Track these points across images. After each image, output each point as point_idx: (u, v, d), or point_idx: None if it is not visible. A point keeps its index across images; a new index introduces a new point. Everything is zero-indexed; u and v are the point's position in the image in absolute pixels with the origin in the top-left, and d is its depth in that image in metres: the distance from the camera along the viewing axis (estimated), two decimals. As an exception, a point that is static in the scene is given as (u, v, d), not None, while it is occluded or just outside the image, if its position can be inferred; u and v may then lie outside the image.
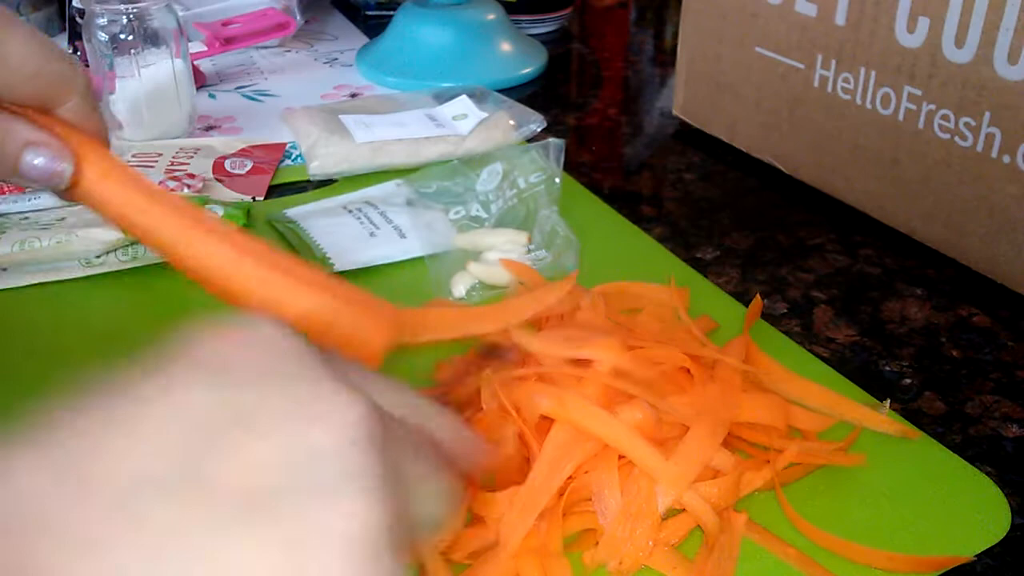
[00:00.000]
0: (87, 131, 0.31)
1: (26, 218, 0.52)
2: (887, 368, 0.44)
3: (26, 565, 0.17)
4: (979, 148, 0.48)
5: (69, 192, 0.31)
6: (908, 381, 0.43)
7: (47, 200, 0.55)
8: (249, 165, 0.61)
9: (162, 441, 0.19)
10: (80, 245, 0.49)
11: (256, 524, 0.18)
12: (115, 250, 0.50)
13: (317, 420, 0.20)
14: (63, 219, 0.51)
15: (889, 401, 0.40)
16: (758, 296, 0.47)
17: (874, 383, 0.42)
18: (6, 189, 0.57)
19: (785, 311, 0.48)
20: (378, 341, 0.35)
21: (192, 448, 0.19)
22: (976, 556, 0.33)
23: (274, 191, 0.60)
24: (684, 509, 0.34)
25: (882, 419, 0.39)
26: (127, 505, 0.18)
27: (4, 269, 0.49)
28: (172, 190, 0.56)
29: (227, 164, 0.61)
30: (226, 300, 0.32)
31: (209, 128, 0.70)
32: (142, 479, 0.18)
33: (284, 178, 0.62)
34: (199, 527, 0.18)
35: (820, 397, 0.40)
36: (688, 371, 0.38)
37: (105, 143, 0.33)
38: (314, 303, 0.33)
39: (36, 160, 0.30)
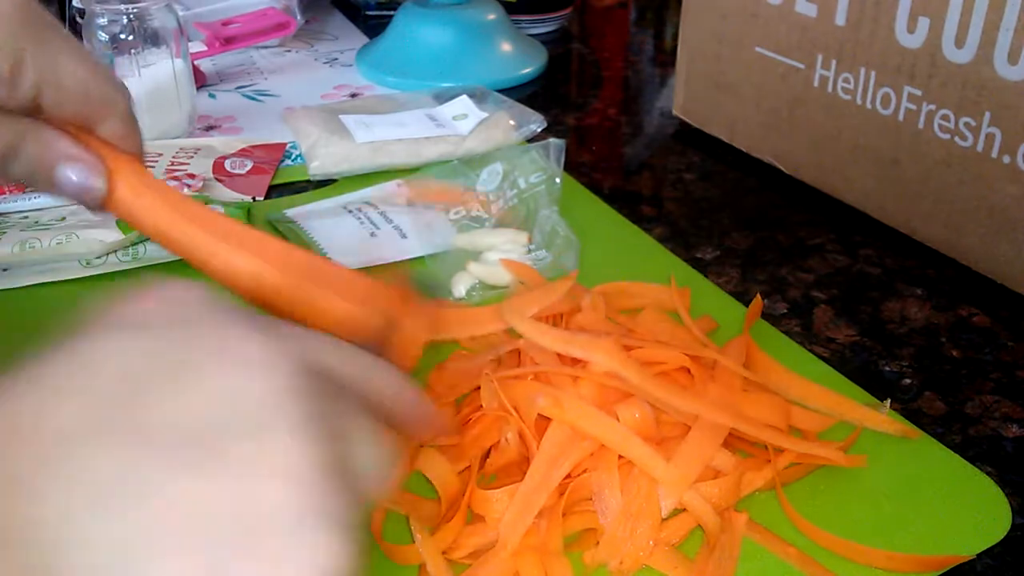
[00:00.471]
0: (124, 149, 0.32)
1: (25, 217, 0.52)
2: (887, 368, 0.44)
3: None
4: (979, 148, 0.48)
5: (102, 207, 0.32)
6: (908, 381, 0.43)
7: (47, 200, 0.55)
8: (249, 165, 0.61)
9: (95, 389, 0.19)
10: (81, 246, 0.49)
11: (196, 463, 0.18)
12: (115, 251, 0.50)
13: (246, 366, 0.20)
14: (63, 219, 0.51)
15: (889, 401, 0.40)
16: (758, 296, 0.47)
17: (874, 383, 0.43)
18: (5, 189, 0.57)
19: (785, 311, 0.48)
20: (415, 346, 0.36)
21: (126, 396, 0.19)
22: (976, 556, 0.33)
23: (274, 191, 0.60)
24: (685, 509, 0.34)
25: (882, 419, 0.39)
26: (67, 452, 0.18)
27: (5, 269, 0.49)
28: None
29: (227, 164, 0.61)
30: (263, 308, 0.33)
31: (209, 128, 0.70)
32: (78, 428, 0.18)
33: (284, 178, 0.62)
34: (143, 467, 0.18)
35: (821, 397, 0.40)
36: (688, 371, 0.38)
37: (141, 160, 0.33)
38: (351, 312, 0.33)
39: (71, 175, 0.31)
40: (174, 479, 0.18)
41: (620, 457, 0.34)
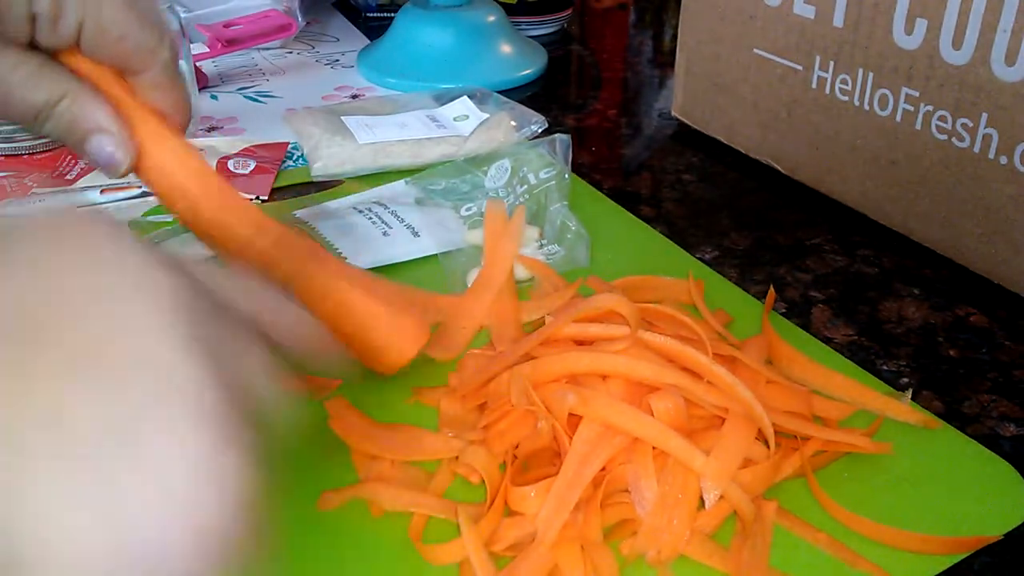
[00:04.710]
0: (163, 101, 0.33)
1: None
2: (885, 368, 0.44)
3: None
4: (976, 149, 0.48)
5: (133, 171, 0.33)
6: (906, 380, 0.43)
7: (51, 203, 0.55)
8: (252, 165, 0.62)
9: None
10: None
11: (86, 382, 0.19)
12: None
13: (133, 287, 0.21)
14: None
15: (911, 391, 0.41)
16: (771, 288, 0.48)
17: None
18: (9, 193, 0.57)
19: (784, 311, 0.49)
20: (409, 348, 0.37)
21: (15, 334, 0.19)
22: (975, 554, 0.34)
23: (276, 194, 0.60)
24: (720, 497, 0.34)
25: (904, 408, 0.40)
26: None
27: None
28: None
29: (230, 164, 0.61)
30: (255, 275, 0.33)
31: (211, 129, 0.71)
32: None
33: (287, 180, 0.62)
34: (31, 379, 0.19)
35: (844, 387, 0.41)
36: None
37: (182, 116, 0.34)
38: (352, 301, 0.34)
39: (100, 147, 0.31)
40: (63, 393, 0.19)
41: (654, 448, 0.35)
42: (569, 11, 0.98)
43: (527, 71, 0.82)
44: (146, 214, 0.52)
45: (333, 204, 0.58)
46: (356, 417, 0.39)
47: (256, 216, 0.35)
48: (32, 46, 0.31)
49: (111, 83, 0.32)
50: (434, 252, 0.51)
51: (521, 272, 0.49)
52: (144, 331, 0.20)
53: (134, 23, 0.31)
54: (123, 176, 0.33)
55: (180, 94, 0.33)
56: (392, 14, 0.89)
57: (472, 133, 0.64)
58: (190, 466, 0.19)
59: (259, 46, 0.86)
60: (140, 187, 0.57)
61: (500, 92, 0.73)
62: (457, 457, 0.37)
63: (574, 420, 0.36)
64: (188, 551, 0.19)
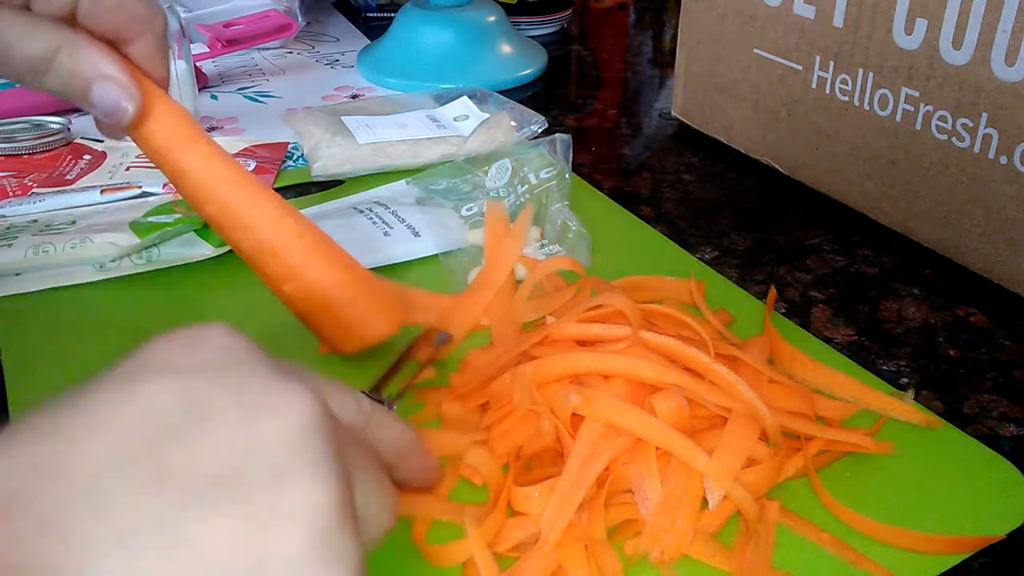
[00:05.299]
0: (152, 71, 0.33)
1: (34, 222, 0.52)
2: (885, 368, 0.44)
3: (9, 551, 0.17)
4: (976, 149, 0.49)
5: (127, 130, 0.32)
6: (906, 380, 0.43)
7: (51, 203, 0.55)
8: (252, 164, 0.62)
9: (123, 431, 0.19)
10: (95, 250, 0.48)
11: (217, 505, 0.19)
12: (129, 255, 0.50)
13: (269, 410, 0.21)
14: (73, 223, 0.51)
15: (914, 391, 0.41)
16: (772, 288, 0.48)
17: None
18: (9, 193, 0.57)
19: (784, 311, 0.49)
20: (385, 325, 0.37)
21: (151, 438, 0.19)
22: (975, 555, 0.34)
23: (277, 194, 0.60)
24: (725, 497, 0.35)
25: (907, 408, 0.40)
26: (92, 491, 0.18)
27: (18, 274, 0.49)
28: (176, 192, 0.56)
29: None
30: (252, 257, 0.33)
31: (211, 129, 0.71)
32: (106, 468, 0.19)
33: (287, 180, 0.62)
34: (163, 509, 0.18)
35: (846, 386, 0.41)
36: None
37: (165, 86, 0.34)
38: (336, 277, 0.35)
39: (105, 94, 0.31)
40: (194, 522, 0.18)
41: (657, 448, 0.35)
42: (569, 11, 0.98)
43: (527, 71, 0.82)
44: (146, 214, 0.52)
45: (333, 204, 0.58)
46: None
47: (250, 176, 0.35)
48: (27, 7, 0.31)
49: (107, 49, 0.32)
50: (435, 252, 0.51)
51: (518, 272, 0.49)
52: (277, 455, 0.20)
53: None
54: (126, 128, 0.32)
55: (167, 65, 0.33)
56: (392, 14, 0.89)
57: (472, 133, 0.64)
58: None
59: (259, 46, 0.86)
60: (140, 187, 0.57)
61: (500, 92, 0.73)
62: (461, 458, 0.37)
63: (577, 420, 0.36)
64: None
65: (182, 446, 0.19)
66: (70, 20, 0.31)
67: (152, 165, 0.60)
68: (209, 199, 0.33)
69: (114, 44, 0.32)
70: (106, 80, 0.31)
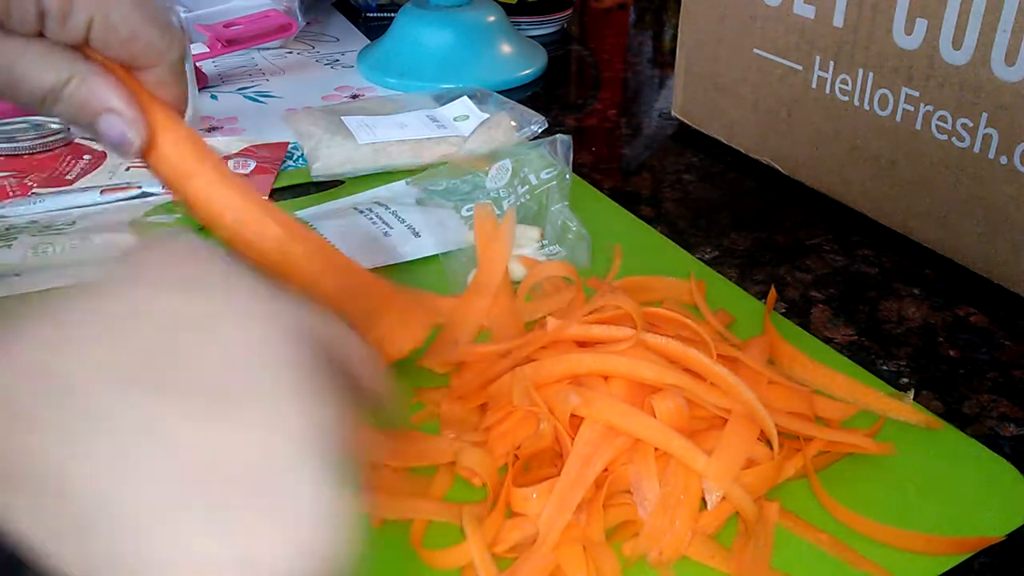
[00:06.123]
0: (166, 97, 0.33)
1: (34, 222, 0.52)
2: (885, 368, 0.44)
3: (9, 455, 0.18)
4: (976, 149, 0.48)
5: (140, 158, 0.33)
6: (906, 380, 0.43)
7: (51, 203, 0.55)
8: (252, 165, 0.62)
9: (119, 340, 0.20)
10: (95, 250, 0.48)
11: (212, 412, 0.20)
12: None
13: (257, 327, 0.22)
14: (73, 223, 0.51)
15: (913, 391, 0.41)
16: (773, 289, 0.48)
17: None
18: (9, 193, 0.57)
19: (784, 311, 0.49)
20: (410, 339, 0.37)
21: (147, 346, 0.20)
22: (975, 555, 0.34)
23: (276, 194, 0.60)
24: (723, 498, 0.35)
25: (907, 408, 0.40)
26: (91, 401, 0.19)
27: (18, 274, 0.49)
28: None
29: (230, 164, 0.61)
30: (274, 275, 0.34)
31: (211, 129, 0.71)
32: (104, 376, 0.20)
33: (287, 180, 0.62)
34: (161, 417, 0.19)
35: (846, 387, 0.41)
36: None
37: (180, 111, 0.34)
38: (346, 302, 0.35)
39: (112, 126, 0.31)
40: (190, 427, 0.19)
41: (656, 449, 0.35)
42: (569, 11, 0.98)
43: (527, 71, 0.82)
44: (146, 214, 0.52)
45: (333, 204, 0.58)
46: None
47: (258, 199, 0.35)
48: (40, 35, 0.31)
49: (120, 73, 0.32)
50: (435, 252, 0.51)
51: (518, 272, 0.49)
52: (266, 371, 0.21)
53: (144, 23, 0.31)
54: (135, 157, 0.33)
55: (183, 90, 0.34)
56: (392, 14, 0.89)
57: (472, 133, 0.64)
58: (319, 513, 0.20)
59: (259, 46, 0.86)
60: (140, 187, 0.57)
61: (500, 92, 0.73)
62: (455, 461, 0.37)
63: (576, 421, 0.36)
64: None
65: (177, 356, 0.20)
66: (82, 47, 0.31)
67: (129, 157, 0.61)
68: (218, 226, 0.34)
69: (128, 69, 0.32)
70: (113, 113, 0.31)
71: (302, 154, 0.65)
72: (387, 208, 0.55)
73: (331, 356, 0.24)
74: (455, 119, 0.66)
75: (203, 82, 0.79)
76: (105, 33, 0.31)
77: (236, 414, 0.20)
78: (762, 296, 0.49)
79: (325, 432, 0.21)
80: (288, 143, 0.66)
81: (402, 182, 0.60)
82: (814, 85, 0.58)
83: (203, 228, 0.34)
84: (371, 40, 0.90)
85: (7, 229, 0.51)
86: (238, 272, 0.23)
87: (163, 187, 0.34)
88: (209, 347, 0.21)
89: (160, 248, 0.23)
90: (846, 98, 0.56)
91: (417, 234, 0.53)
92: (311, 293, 0.34)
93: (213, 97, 0.77)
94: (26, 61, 0.30)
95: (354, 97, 0.78)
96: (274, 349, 0.21)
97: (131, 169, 0.61)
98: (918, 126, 0.51)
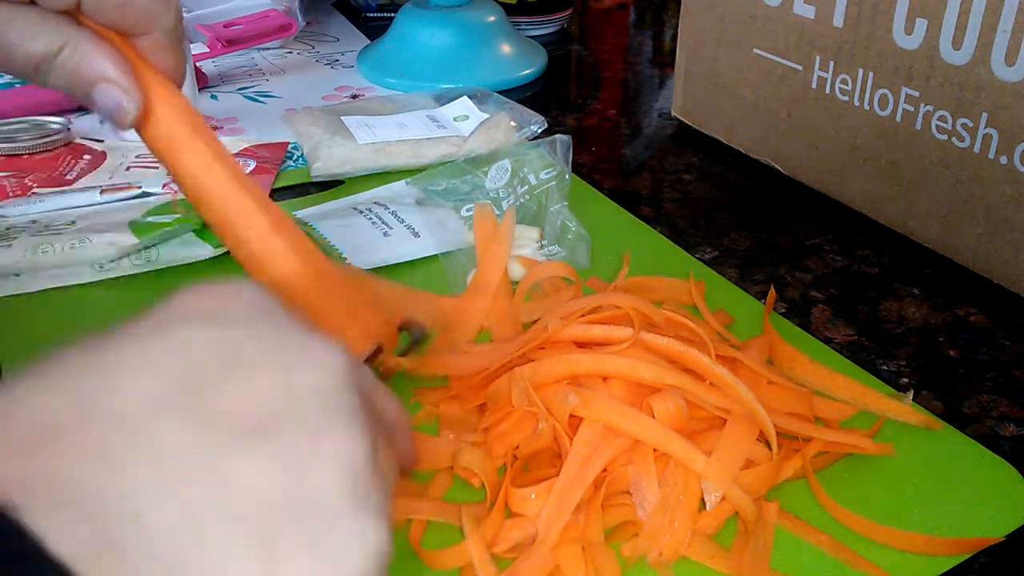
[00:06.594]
0: (161, 65, 0.32)
1: (34, 222, 0.52)
2: (885, 368, 0.44)
3: (48, 480, 0.18)
4: (976, 149, 0.48)
5: (133, 128, 0.32)
6: (906, 380, 0.43)
7: (51, 203, 0.55)
8: (252, 165, 0.62)
9: (165, 373, 0.20)
10: (94, 250, 0.48)
11: (256, 446, 0.20)
12: (129, 255, 0.50)
13: (306, 361, 0.22)
14: (73, 223, 0.51)
15: (912, 392, 0.41)
16: (772, 289, 0.48)
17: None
18: (9, 193, 0.57)
19: (784, 311, 0.49)
20: (361, 343, 0.37)
21: (193, 380, 0.20)
22: (975, 555, 0.34)
23: (276, 194, 0.60)
24: (723, 499, 0.35)
25: (906, 409, 0.40)
26: (138, 430, 0.19)
27: (17, 274, 0.49)
28: (176, 191, 0.57)
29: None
30: (245, 267, 0.33)
31: (211, 129, 0.70)
32: (150, 407, 0.19)
33: (287, 180, 0.62)
34: (206, 448, 0.19)
35: (846, 387, 0.41)
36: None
37: (178, 81, 0.34)
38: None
39: (106, 95, 0.31)
40: (236, 460, 0.19)
41: (655, 449, 0.35)
42: (569, 11, 0.98)
43: (527, 71, 0.82)
44: (146, 214, 0.52)
45: (333, 204, 0.58)
46: None
47: (249, 183, 0.35)
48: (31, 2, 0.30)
49: (114, 41, 0.32)
50: (434, 252, 0.51)
51: (517, 272, 0.49)
52: (315, 404, 0.21)
53: None
54: (130, 127, 0.32)
55: (180, 57, 0.33)
56: (392, 14, 0.89)
57: (472, 133, 0.64)
58: (364, 555, 0.20)
59: (259, 46, 0.86)
60: (140, 187, 0.57)
61: (500, 92, 0.73)
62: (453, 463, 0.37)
63: (575, 421, 0.36)
64: None
65: (222, 390, 0.20)
66: (75, 14, 0.31)
67: (153, 165, 0.61)
68: (204, 205, 0.33)
69: (123, 35, 0.32)
70: (108, 82, 0.31)
71: (302, 154, 0.65)
72: (387, 208, 0.55)
73: (371, 405, 0.24)
74: (455, 119, 0.66)
75: (203, 82, 0.79)
76: (97, 1, 0.30)
77: (283, 450, 0.20)
78: (762, 296, 0.49)
79: (368, 469, 0.21)
80: (288, 143, 0.66)
81: (402, 182, 0.60)
82: (814, 85, 0.58)
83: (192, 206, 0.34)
84: (371, 40, 0.90)
85: (7, 229, 0.51)
86: (284, 313, 0.23)
87: (175, 189, 0.34)
88: (257, 383, 0.21)
89: (205, 289, 0.23)
90: (846, 98, 0.56)
91: (417, 234, 0.53)
92: (284, 290, 0.33)
93: (213, 97, 0.77)
94: (17, 29, 0.30)
95: (354, 97, 0.78)
96: (323, 389, 0.21)
97: (131, 169, 0.61)
98: (918, 126, 0.51)
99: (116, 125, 0.32)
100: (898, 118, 0.53)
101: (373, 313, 0.36)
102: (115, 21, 0.31)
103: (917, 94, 0.51)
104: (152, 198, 0.56)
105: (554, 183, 0.54)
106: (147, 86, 0.32)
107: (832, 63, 0.56)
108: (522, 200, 0.54)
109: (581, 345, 0.40)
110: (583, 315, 0.40)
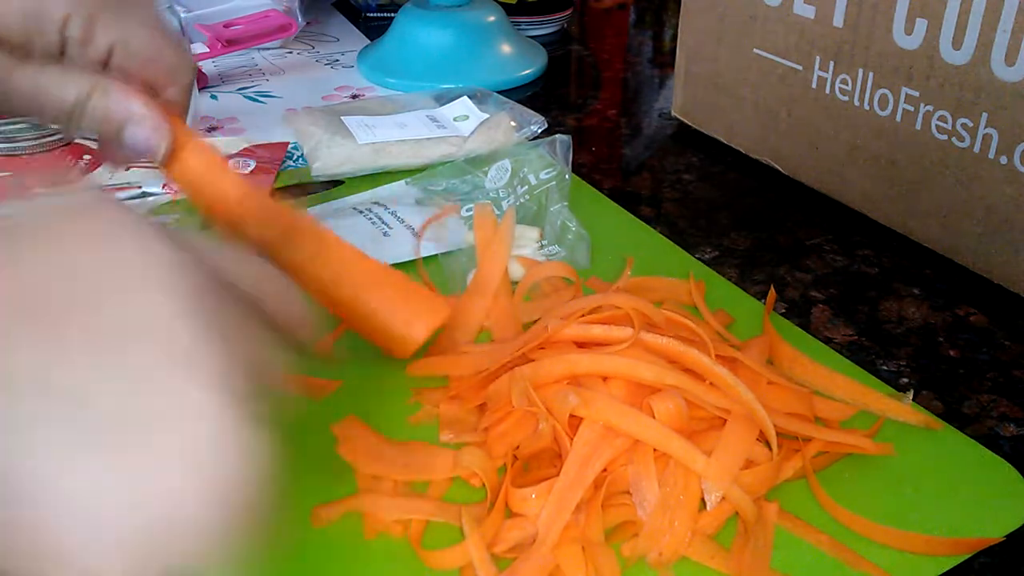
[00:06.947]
0: (173, 113, 0.34)
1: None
2: (885, 368, 0.44)
3: None
4: (976, 149, 0.48)
5: (163, 166, 0.34)
6: (906, 380, 0.43)
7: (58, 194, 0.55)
8: (252, 165, 0.62)
9: (23, 284, 0.20)
10: None
11: (120, 355, 0.20)
12: None
13: (149, 283, 0.22)
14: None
15: (912, 392, 0.41)
16: (772, 289, 0.48)
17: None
18: (8, 191, 0.57)
19: (783, 311, 0.49)
20: (418, 334, 0.38)
21: (50, 294, 0.20)
22: (975, 555, 0.34)
23: (277, 194, 0.60)
24: (723, 499, 0.34)
25: (906, 409, 0.40)
26: None
27: None
28: (176, 192, 0.57)
29: (230, 164, 0.61)
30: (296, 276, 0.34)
31: (211, 129, 0.71)
32: (7, 313, 0.20)
33: (287, 180, 0.62)
34: (65, 360, 0.20)
35: (846, 387, 0.41)
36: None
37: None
38: (367, 285, 0.36)
39: (136, 135, 0.32)
40: (83, 369, 0.19)
41: (655, 449, 0.35)
42: (569, 11, 0.98)
43: (527, 71, 0.82)
44: (146, 214, 0.52)
45: (333, 204, 0.58)
46: (363, 435, 0.38)
47: (272, 206, 0.36)
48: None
49: (138, 88, 0.33)
50: (434, 252, 0.51)
51: (517, 272, 0.49)
52: (160, 309, 0.21)
53: (163, 48, 0.32)
54: (161, 164, 0.33)
55: (187, 109, 0.35)
56: (392, 14, 0.89)
57: (472, 133, 0.64)
58: (215, 438, 0.20)
59: (259, 46, 0.86)
60: (140, 187, 0.57)
61: (500, 92, 0.73)
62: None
63: (575, 421, 0.36)
64: (210, 518, 0.20)
65: (78, 312, 0.20)
66: (102, 65, 0.32)
67: (153, 165, 0.61)
68: (239, 234, 0.34)
69: (146, 90, 0.33)
70: (136, 122, 0.32)
71: (302, 154, 0.65)
72: (387, 208, 0.55)
73: (243, 295, 0.24)
74: (455, 119, 0.66)
75: (203, 82, 0.79)
76: (125, 59, 0.32)
77: (134, 359, 0.20)
78: (762, 296, 0.49)
79: (231, 369, 0.21)
80: (288, 143, 0.66)
81: (402, 182, 0.60)
82: (814, 85, 0.58)
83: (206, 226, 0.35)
84: (371, 40, 0.90)
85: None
86: (148, 226, 0.23)
87: (175, 190, 0.35)
88: (103, 295, 0.21)
89: (66, 205, 0.23)
90: (846, 98, 0.56)
91: (417, 234, 0.53)
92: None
93: (213, 97, 0.77)
94: (48, 81, 0.31)
95: (354, 97, 0.78)
96: (174, 291, 0.21)
97: (131, 169, 0.61)
98: (918, 126, 0.51)
99: (151, 162, 0.33)
100: (898, 118, 0.53)
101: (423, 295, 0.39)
102: (143, 77, 0.32)
103: (917, 94, 0.51)
104: (152, 198, 0.56)
105: (554, 183, 0.54)
106: (173, 124, 0.33)
107: (832, 63, 0.56)
108: (522, 200, 0.54)
109: (581, 345, 0.40)
110: (583, 315, 0.40)
